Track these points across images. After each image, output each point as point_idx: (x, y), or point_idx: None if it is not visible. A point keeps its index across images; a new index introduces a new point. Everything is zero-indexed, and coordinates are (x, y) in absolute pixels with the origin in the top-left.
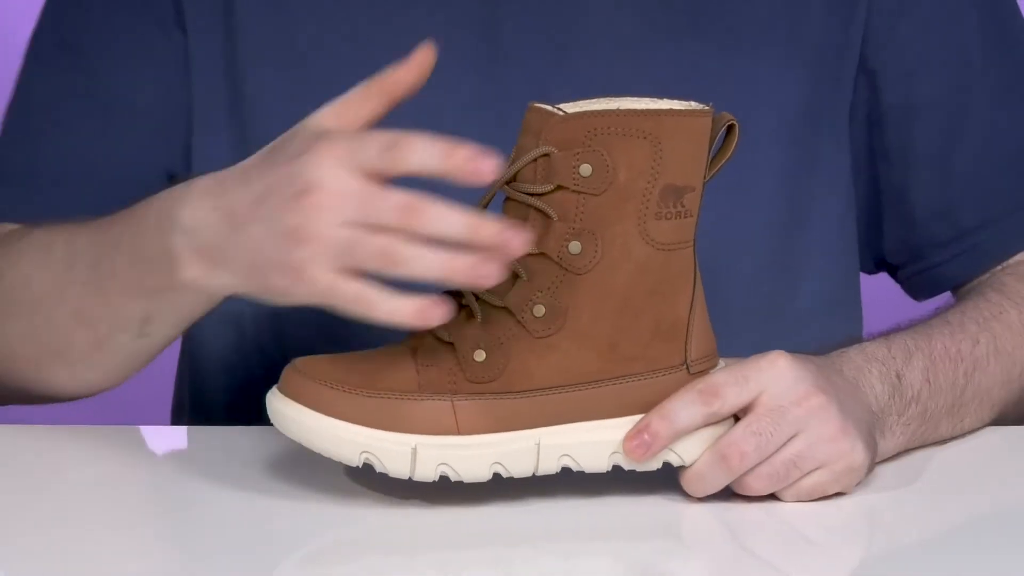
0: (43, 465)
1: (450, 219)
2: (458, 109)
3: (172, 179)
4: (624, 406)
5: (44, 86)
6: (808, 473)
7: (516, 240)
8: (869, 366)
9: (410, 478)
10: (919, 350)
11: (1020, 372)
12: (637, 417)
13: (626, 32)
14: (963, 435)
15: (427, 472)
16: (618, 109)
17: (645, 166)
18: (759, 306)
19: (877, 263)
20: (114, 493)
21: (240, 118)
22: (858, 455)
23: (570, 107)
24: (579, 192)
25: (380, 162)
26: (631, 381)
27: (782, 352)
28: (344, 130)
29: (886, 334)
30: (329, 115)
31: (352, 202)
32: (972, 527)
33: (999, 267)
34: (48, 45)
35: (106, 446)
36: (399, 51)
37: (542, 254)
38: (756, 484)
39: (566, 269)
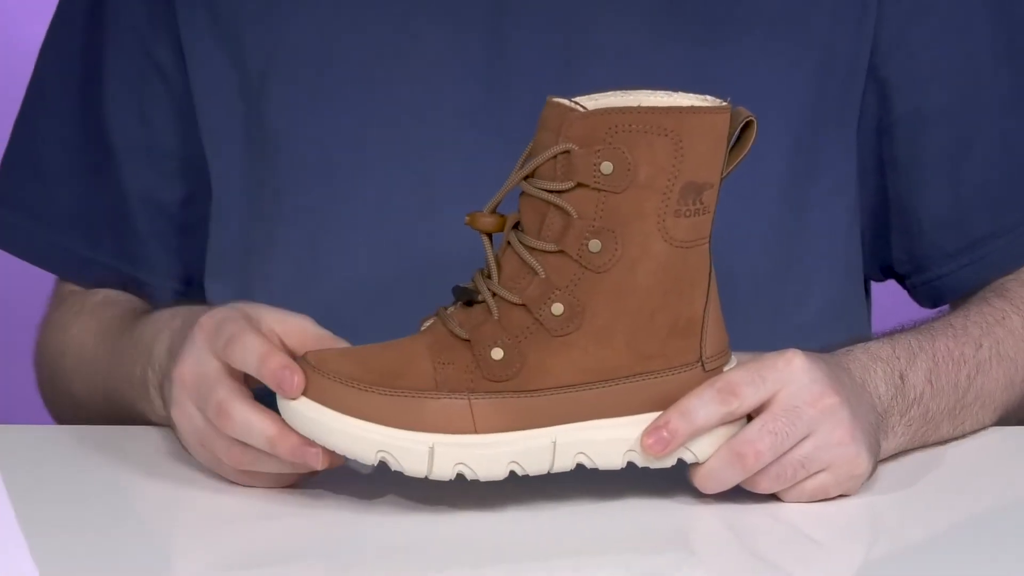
0: (44, 465)
1: (253, 431)
2: (463, 117)
3: (187, 202)
4: (640, 403)
5: (48, 125)
6: (812, 475)
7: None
8: (874, 365)
9: (426, 477)
10: (923, 351)
11: (1022, 377)
12: (652, 414)
13: (632, 39)
14: (963, 436)
15: (444, 471)
16: (639, 106)
17: (666, 163)
18: (763, 312)
19: (884, 271)
20: (118, 493)
21: (255, 138)
22: (863, 461)
23: (587, 101)
24: (599, 190)
25: (222, 354)
26: (647, 379)
27: (798, 351)
28: (228, 310)
29: (890, 334)
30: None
31: (195, 390)
32: (975, 527)
33: None
34: (51, 84)
35: (109, 446)
36: (407, 58)
37: (561, 252)
38: (764, 483)
39: (585, 267)
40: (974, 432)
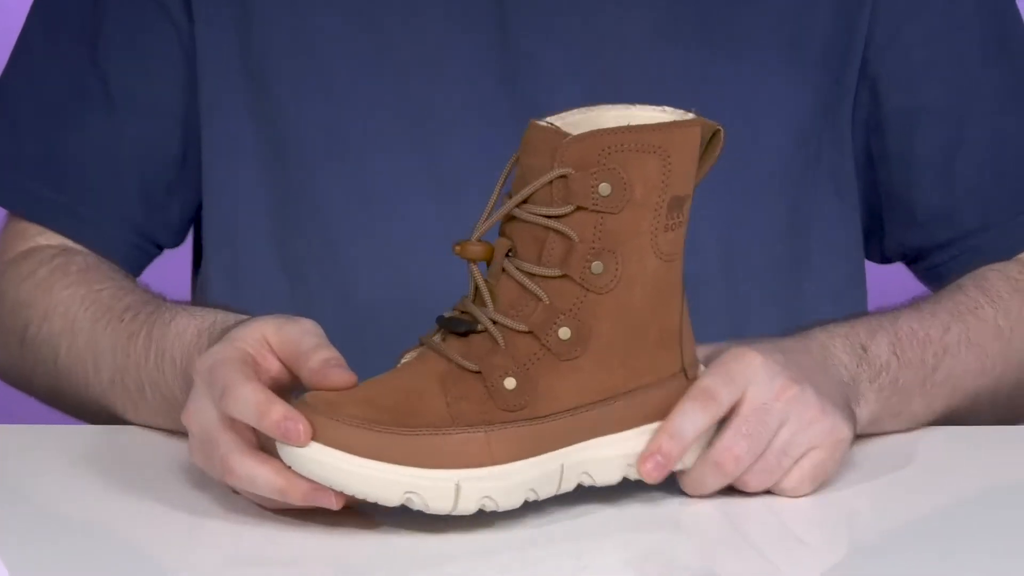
0: (42, 465)
1: (259, 484)
2: (472, 107)
3: (183, 161)
4: (635, 418)
5: (54, 77)
6: (799, 460)
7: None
8: (833, 341)
9: (449, 514)
10: (883, 329)
11: (993, 366)
12: (644, 427)
13: (634, 36)
14: (937, 422)
15: (469, 506)
16: (629, 126)
17: (657, 180)
18: (766, 303)
19: (884, 256)
20: (116, 493)
21: (261, 106)
22: (841, 428)
23: (555, 120)
24: (598, 211)
25: (220, 406)
26: (640, 393)
27: (749, 348)
28: (221, 354)
29: (849, 316)
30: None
31: (200, 441)
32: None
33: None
34: (48, 32)
35: (108, 446)
36: (415, 48)
37: (565, 276)
38: (753, 481)
39: (588, 289)
40: (947, 417)
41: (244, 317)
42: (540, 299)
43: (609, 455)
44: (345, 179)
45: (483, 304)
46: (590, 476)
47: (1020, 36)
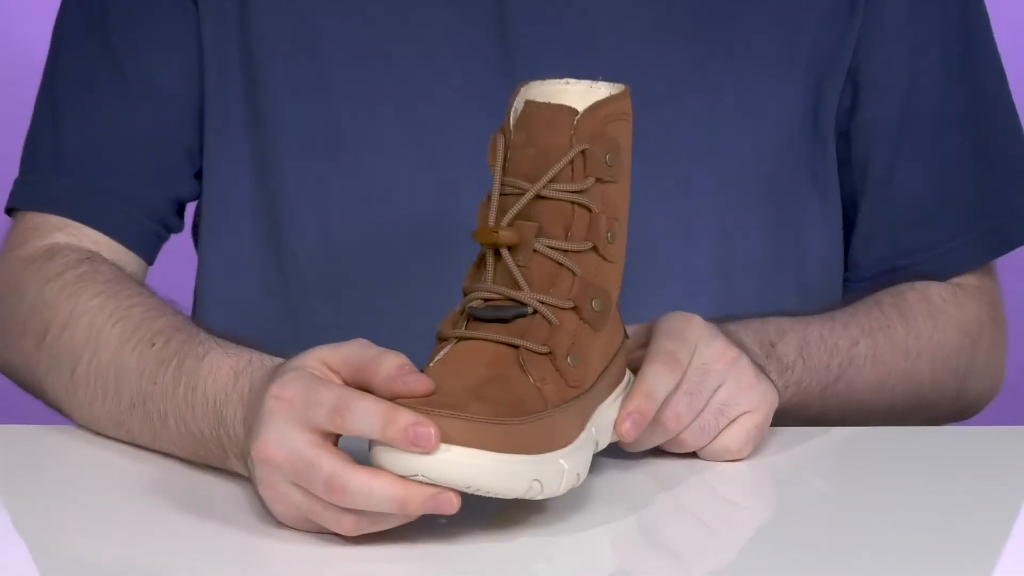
0: (43, 465)
1: (376, 497)
2: (470, 98)
3: (189, 154)
4: (616, 380)
5: (69, 70)
6: (733, 422)
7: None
8: (745, 331)
9: (551, 496)
10: (793, 331)
11: (894, 385)
12: (616, 389)
13: (634, 32)
14: (824, 426)
15: (569, 484)
16: (610, 95)
17: (629, 145)
18: (753, 298)
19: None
20: (117, 494)
21: (254, 102)
22: (773, 393)
23: (526, 93)
24: (606, 181)
25: (329, 425)
26: (618, 356)
27: (691, 314)
28: (305, 376)
29: (762, 314)
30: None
31: (291, 469)
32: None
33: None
34: (72, 29)
35: (110, 446)
36: (412, 42)
37: (594, 248)
38: (689, 439)
39: (604, 259)
40: (835, 425)
41: (279, 359)
42: (575, 274)
43: (609, 418)
44: (343, 174)
45: (517, 287)
46: (597, 443)
47: (985, 61)
